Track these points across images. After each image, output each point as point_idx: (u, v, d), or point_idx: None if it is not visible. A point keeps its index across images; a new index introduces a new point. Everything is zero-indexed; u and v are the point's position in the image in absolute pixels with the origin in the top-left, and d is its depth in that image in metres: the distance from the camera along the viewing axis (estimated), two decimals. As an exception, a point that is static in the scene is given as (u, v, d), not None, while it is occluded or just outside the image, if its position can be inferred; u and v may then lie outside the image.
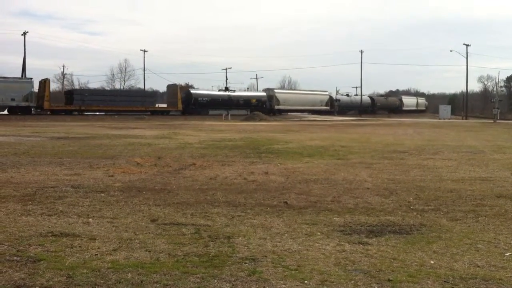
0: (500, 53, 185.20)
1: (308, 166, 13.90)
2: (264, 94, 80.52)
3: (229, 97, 74.54)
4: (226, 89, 78.15)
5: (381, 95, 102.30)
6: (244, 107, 74.67)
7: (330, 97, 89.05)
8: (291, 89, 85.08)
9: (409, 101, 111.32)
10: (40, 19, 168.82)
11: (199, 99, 70.84)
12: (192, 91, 74.04)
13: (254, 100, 76.87)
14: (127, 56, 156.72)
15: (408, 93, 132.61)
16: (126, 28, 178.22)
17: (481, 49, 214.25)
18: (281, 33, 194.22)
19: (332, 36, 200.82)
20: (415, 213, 7.97)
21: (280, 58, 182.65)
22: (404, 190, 10.09)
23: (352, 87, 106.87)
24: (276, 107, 78.15)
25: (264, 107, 75.84)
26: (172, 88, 72.93)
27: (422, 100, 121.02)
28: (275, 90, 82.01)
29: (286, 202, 8.75)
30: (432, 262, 5.46)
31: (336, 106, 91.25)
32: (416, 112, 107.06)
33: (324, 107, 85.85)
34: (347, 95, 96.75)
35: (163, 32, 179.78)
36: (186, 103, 69.07)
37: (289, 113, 78.58)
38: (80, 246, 5.88)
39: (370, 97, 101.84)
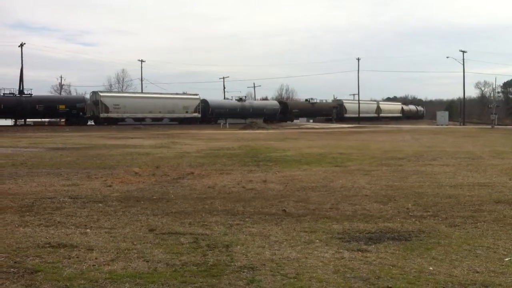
0: (496, 59, 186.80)
1: (306, 174, 13.89)
2: (82, 97, 63.50)
3: (19, 101, 55.37)
4: (21, 92, 58.09)
5: (307, 100, 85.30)
6: (46, 115, 59.22)
7: (205, 101, 70.15)
8: (136, 92, 66.15)
9: (357, 107, 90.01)
10: (36, 30, 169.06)
11: None
12: None
13: (63, 106, 57.86)
14: (124, 66, 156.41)
15: (405, 99, 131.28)
16: (122, 39, 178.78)
17: (477, 55, 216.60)
18: (277, 42, 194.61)
19: (327, 44, 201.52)
20: (413, 220, 7.96)
21: (276, 66, 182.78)
22: (402, 197, 10.08)
23: (350, 95, 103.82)
24: (103, 115, 59.74)
25: (81, 115, 58.83)
26: None
27: (393, 106, 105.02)
28: (101, 93, 61.75)
29: (284, 210, 8.73)
30: (431, 268, 5.44)
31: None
32: (378, 119, 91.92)
33: (191, 114, 66.77)
34: (240, 99, 76.04)
35: (159, 42, 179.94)
36: None
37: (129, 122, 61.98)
38: (77, 257, 5.86)
39: (281, 101, 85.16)
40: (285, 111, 79.39)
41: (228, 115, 71.19)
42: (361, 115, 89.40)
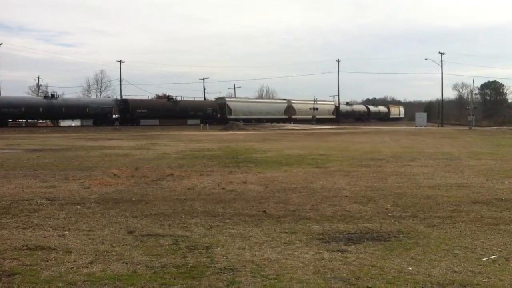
0: (474, 61, 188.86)
1: (287, 175, 13.91)
2: None
3: None
4: None
5: (168, 97, 70.44)
6: None
7: None
8: None
9: (250, 107, 77.61)
10: (13, 31, 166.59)
11: None
12: None
13: None
14: (103, 66, 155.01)
15: (384, 101, 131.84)
16: (101, 39, 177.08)
17: (455, 57, 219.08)
18: (259, 43, 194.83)
19: (308, 46, 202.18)
20: (393, 220, 8.02)
21: (259, 67, 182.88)
22: (381, 197, 10.15)
23: (330, 96, 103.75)
24: None
25: None
26: None
27: (320, 106, 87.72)
28: None
29: (264, 211, 8.73)
30: (410, 268, 5.48)
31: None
32: (287, 121, 78.74)
33: None
34: (52, 96, 59.57)
35: (139, 43, 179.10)
36: None
37: None
38: (55, 259, 5.78)
39: (120, 99, 69.27)
40: (125, 111, 63.74)
41: (24, 116, 57.14)
42: (260, 116, 77.09)
